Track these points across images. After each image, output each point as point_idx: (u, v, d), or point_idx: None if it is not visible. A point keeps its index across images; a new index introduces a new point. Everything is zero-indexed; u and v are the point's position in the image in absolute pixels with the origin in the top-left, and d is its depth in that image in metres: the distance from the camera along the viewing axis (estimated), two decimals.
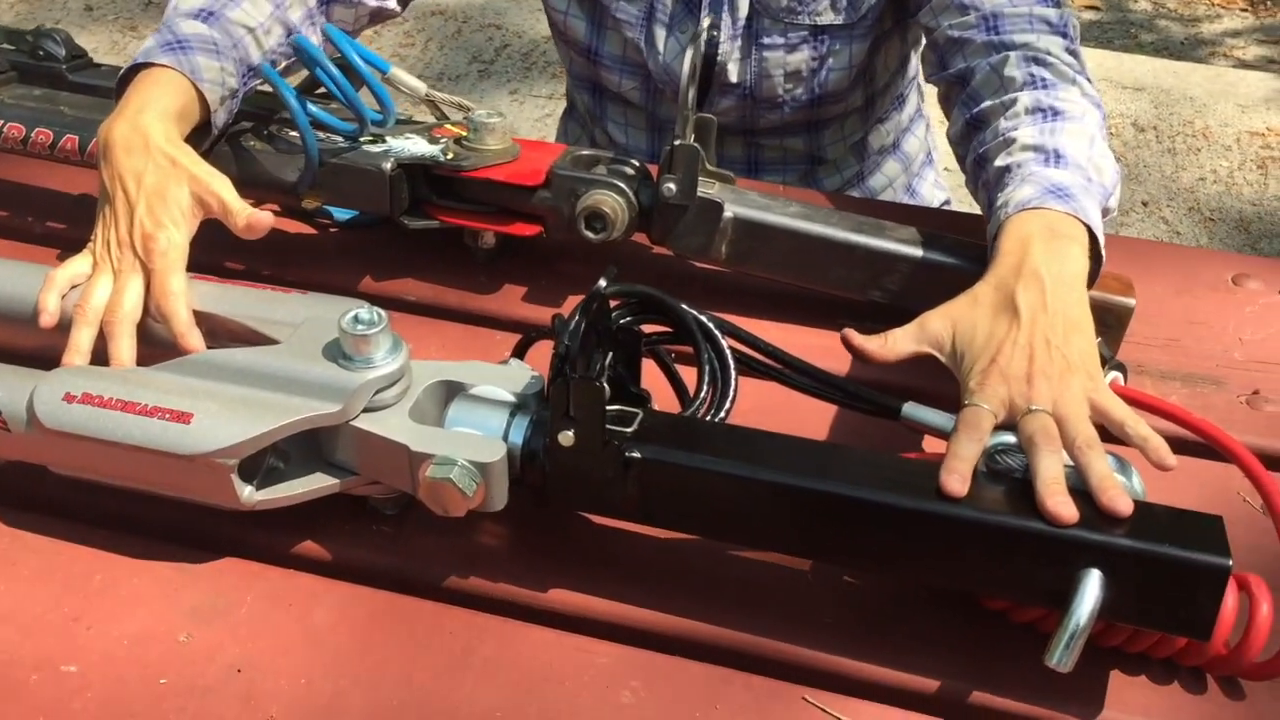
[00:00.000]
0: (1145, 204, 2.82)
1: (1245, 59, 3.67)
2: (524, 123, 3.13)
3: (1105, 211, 0.91)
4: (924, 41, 1.16)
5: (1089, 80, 0.99)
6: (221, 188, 0.87)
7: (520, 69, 3.44)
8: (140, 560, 0.78)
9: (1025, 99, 0.95)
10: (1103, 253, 0.87)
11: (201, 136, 0.95)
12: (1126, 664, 0.72)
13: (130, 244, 0.85)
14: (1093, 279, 0.86)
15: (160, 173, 0.86)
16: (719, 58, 1.21)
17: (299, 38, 0.98)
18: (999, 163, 0.92)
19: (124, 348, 0.81)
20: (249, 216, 0.87)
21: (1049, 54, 0.98)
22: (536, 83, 3.33)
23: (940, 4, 1.06)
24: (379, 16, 1.19)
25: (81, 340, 0.82)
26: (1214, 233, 2.70)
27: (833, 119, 1.31)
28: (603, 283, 0.70)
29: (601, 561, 0.78)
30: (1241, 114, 3.22)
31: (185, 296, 0.83)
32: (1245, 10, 3.99)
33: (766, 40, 1.20)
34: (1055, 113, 0.93)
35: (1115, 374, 0.85)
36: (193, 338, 0.81)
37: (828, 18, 1.18)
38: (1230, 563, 0.64)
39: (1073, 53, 1.00)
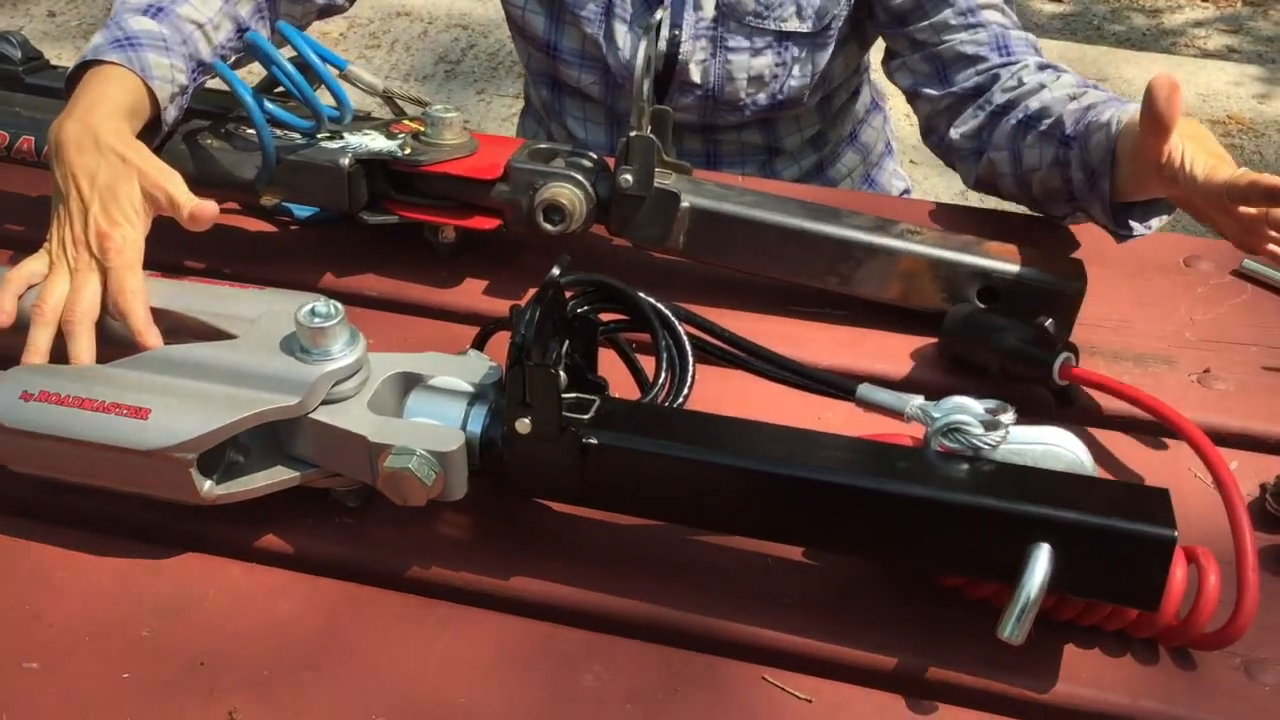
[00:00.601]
0: None
1: (1208, 49, 3.71)
2: (491, 122, 3.13)
3: None
4: (894, 48, 1.19)
5: None
6: (169, 182, 0.87)
7: (487, 69, 3.44)
8: (102, 557, 0.78)
9: (1068, 77, 1.07)
10: None
11: (153, 133, 0.95)
12: (1080, 637, 0.73)
13: (86, 243, 0.85)
14: None
15: (112, 170, 0.86)
16: (680, 56, 1.22)
17: (253, 34, 0.98)
18: (1083, 103, 1.01)
19: (83, 346, 0.81)
20: (192, 207, 0.87)
21: (1048, 63, 1.11)
22: (503, 82, 3.33)
23: (943, 22, 1.12)
24: (327, 11, 1.19)
25: (40, 340, 0.82)
26: (1177, 218, 2.72)
27: (789, 116, 1.32)
28: (556, 271, 0.70)
29: (563, 549, 0.79)
30: (1203, 103, 3.25)
31: (143, 294, 0.83)
32: (1207, 1, 4.03)
33: (732, 44, 1.21)
34: (1083, 84, 1.06)
35: (1066, 354, 0.86)
36: (150, 335, 0.81)
37: (793, 24, 1.20)
38: (1176, 534, 0.65)
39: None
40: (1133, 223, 0.98)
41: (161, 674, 0.71)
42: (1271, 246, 0.86)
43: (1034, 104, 1.05)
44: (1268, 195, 0.80)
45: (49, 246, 0.87)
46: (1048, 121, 1.03)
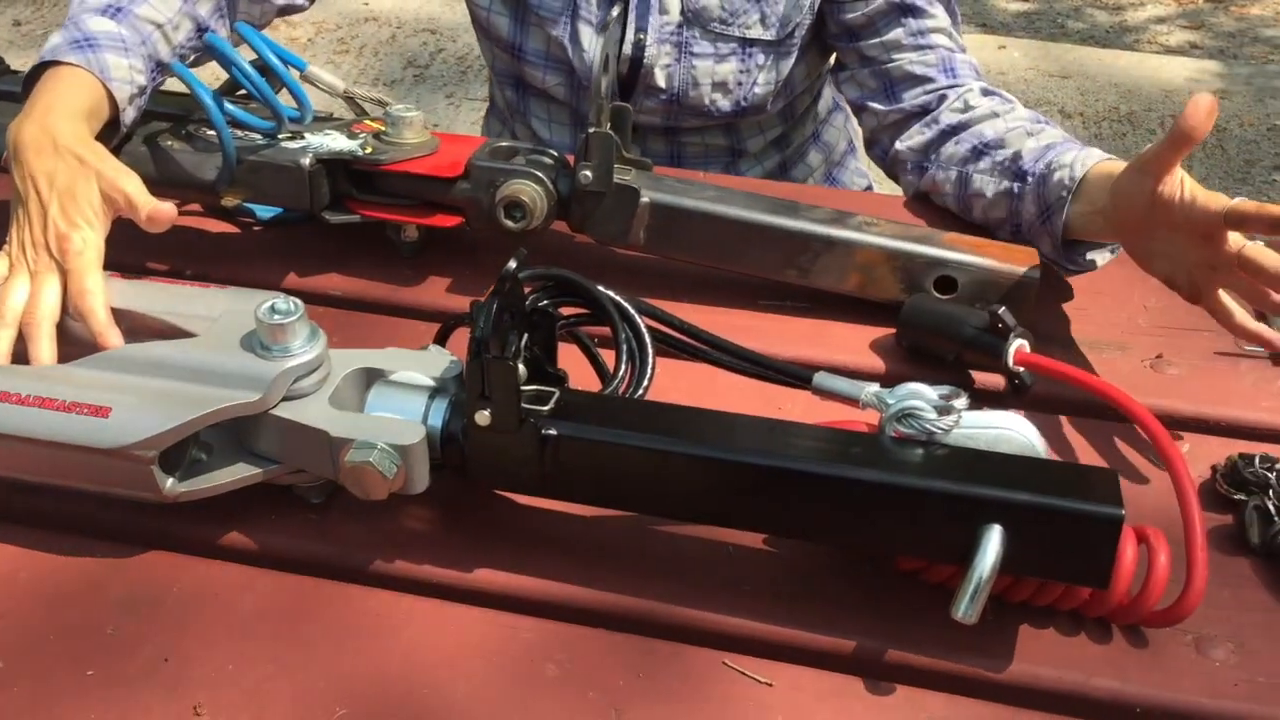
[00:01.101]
0: None
1: (1169, 45, 3.75)
2: (461, 126, 3.13)
3: None
4: (844, 61, 1.21)
5: None
6: (127, 183, 0.87)
7: (456, 73, 3.45)
8: (66, 556, 0.78)
9: (1021, 109, 1.12)
10: None
11: (111, 134, 0.96)
12: (1035, 618, 0.74)
13: (45, 245, 0.85)
14: None
15: (70, 172, 0.86)
16: (646, 61, 1.23)
17: (211, 36, 0.98)
18: (1041, 141, 1.05)
19: (43, 347, 0.82)
20: (150, 209, 0.87)
21: (990, 89, 1.16)
22: (472, 86, 3.33)
23: (894, 42, 1.16)
24: (287, 10, 1.19)
25: (0, 342, 0.82)
26: None
27: (753, 120, 1.33)
28: (513, 264, 0.71)
29: (526, 540, 0.79)
30: (1165, 98, 3.29)
31: (103, 295, 0.83)
32: None
33: (696, 49, 1.22)
34: (1036, 119, 1.10)
35: (1021, 341, 0.88)
36: (111, 335, 0.81)
37: (757, 32, 1.21)
38: (1123, 513, 0.66)
39: None
40: (1079, 257, 1.01)
41: (126, 670, 0.71)
42: (1222, 296, 0.89)
43: (989, 131, 1.09)
44: (1271, 224, 0.82)
45: (8, 249, 0.87)
46: (1004, 153, 1.06)
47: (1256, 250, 0.85)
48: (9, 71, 1.13)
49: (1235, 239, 0.85)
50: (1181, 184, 0.87)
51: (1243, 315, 0.89)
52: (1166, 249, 0.90)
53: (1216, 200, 0.85)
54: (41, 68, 0.94)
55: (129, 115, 0.96)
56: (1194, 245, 0.88)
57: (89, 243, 0.85)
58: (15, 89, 1.08)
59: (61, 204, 0.85)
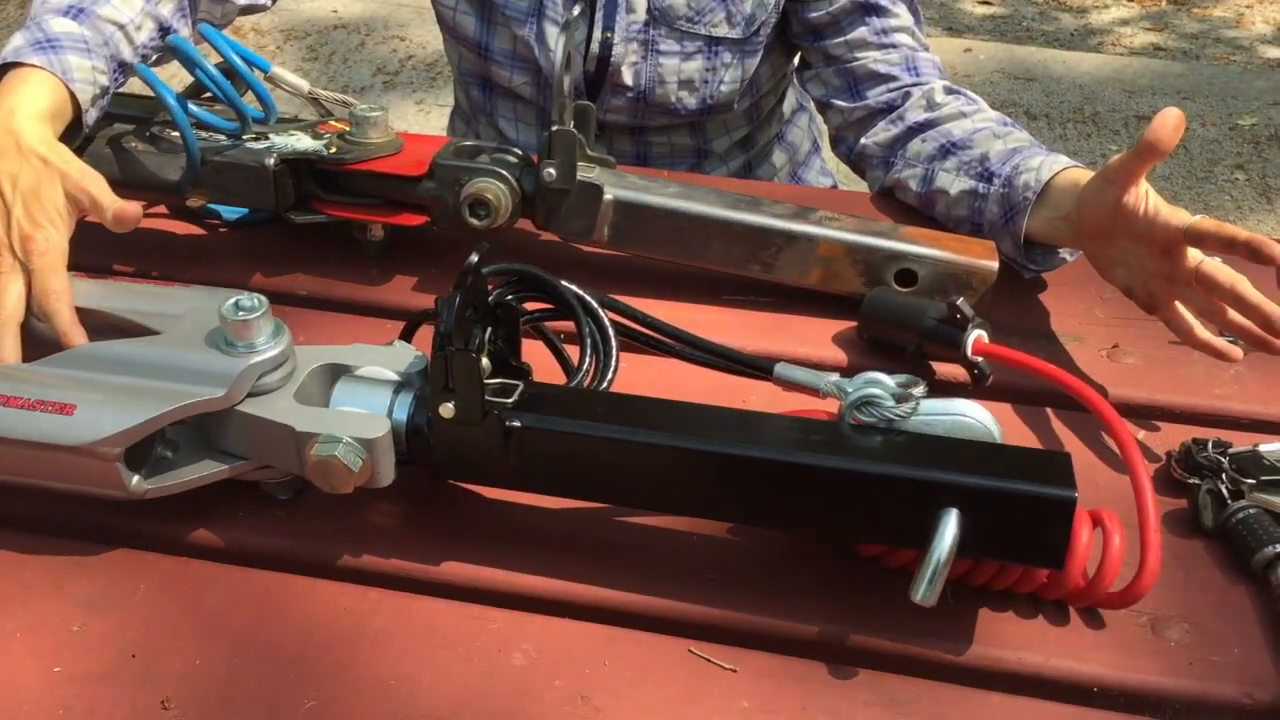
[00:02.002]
0: None
1: (1133, 46, 3.79)
2: (430, 132, 3.13)
3: None
4: (808, 59, 1.23)
5: None
6: (92, 184, 0.88)
7: (425, 79, 3.45)
8: (31, 555, 0.78)
9: (987, 110, 1.14)
10: None
11: (74, 135, 0.96)
12: (993, 602, 0.76)
13: (9, 245, 0.85)
14: None
15: (34, 173, 0.86)
16: (613, 59, 1.24)
17: (175, 38, 0.98)
18: (1009, 144, 1.06)
19: (7, 347, 0.82)
20: (115, 209, 0.88)
21: (954, 88, 1.17)
22: (442, 92, 3.34)
23: (858, 40, 1.18)
24: (248, 10, 1.20)
25: None
26: None
27: (718, 120, 1.35)
28: (475, 257, 0.72)
29: (491, 532, 0.80)
30: (1129, 99, 3.33)
31: (67, 295, 0.83)
32: (1132, 0, 4.13)
33: (663, 47, 1.23)
34: (1004, 121, 1.12)
35: (979, 332, 0.89)
36: (76, 335, 0.82)
37: (723, 30, 1.23)
38: (1075, 495, 0.68)
39: None
40: (1038, 257, 1.03)
41: (93, 667, 0.71)
42: (1179, 307, 0.91)
43: (956, 131, 1.10)
44: (1226, 242, 0.84)
45: None
46: (971, 153, 1.07)
47: (1213, 266, 0.86)
48: None
49: (1194, 254, 0.87)
50: (1145, 196, 0.89)
51: (1199, 327, 0.90)
52: (1126, 258, 0.92)
53: (1178, 216, 0.87)
54: (3, 69, 0.94)
55: (91, 116, 0.96)
56: (1153, 257, 0.89)
57: (53, 243, 0.85)
58: None
59: (26, 205, 0.86)
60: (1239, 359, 0.89)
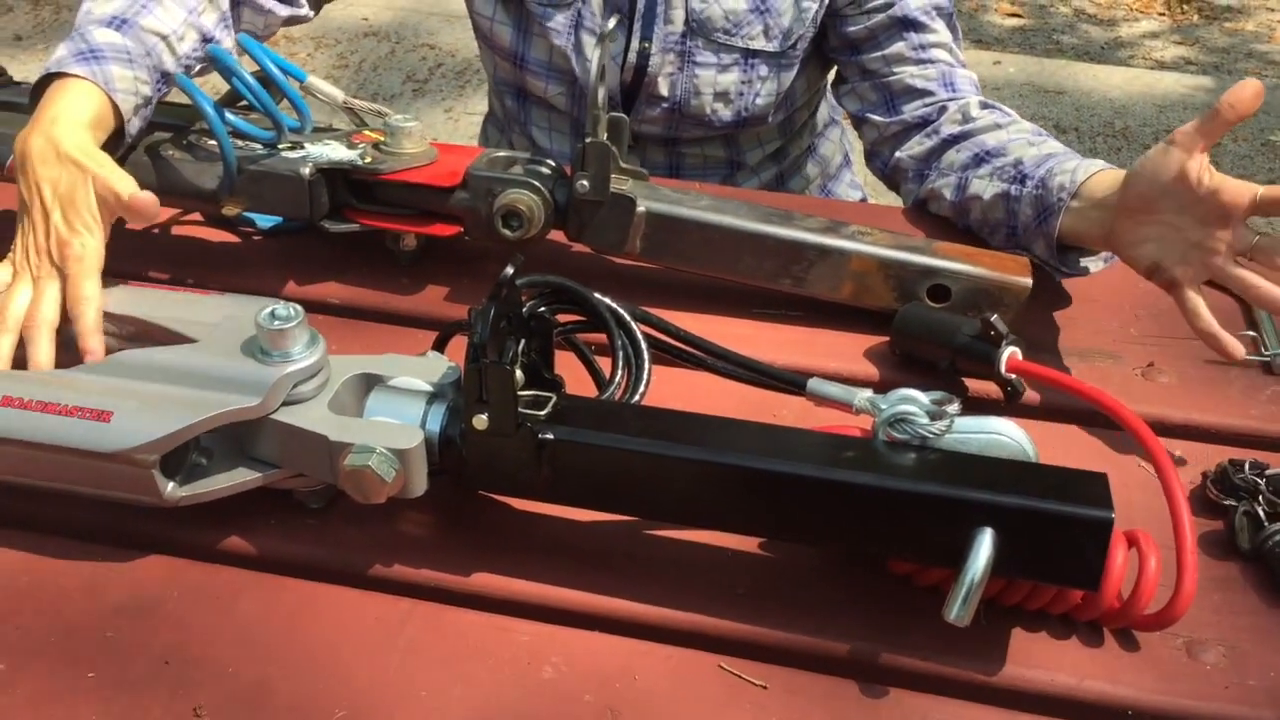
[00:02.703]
0: None
1: (1163, 60, 3.77)
2: (459, 140, 3.14)
3: None
4: (844, 74, 1.23)
5: None
6: (119, 183, 0.88)
7: (454, 87, 3.46)
8: (67, 560, 0.79)
9: (1022, 123, 1.14)
10: None
11: (117, 144, 0.97)
12: (1027, 621, 0.75)
13: (47, 251, 0.86)
14: None
15: (71, 179, 0.87)
16: (650, 69, 1.24)
17: (214, 48, 0.99)
18: (1042, 150, 1.06)
19: (42, 352, 0.83)
20: (129, 196, 0.88)
21: (989, 102, 1.17)
22: (470, 100, 3.35)
23: (895, 55, 1.19)
24: (290, 21, 1.20)
25: (1, 346, 0.83)
26: None
27: (751, 132, 1.35)
28: (510, 270, 0.72)
29: (522, 544, 0.80)
30: (1160, 113, 3.31)
31: (97, 301, 0.84)
32: (1163, 14, 4.11)
33: (699, 59, 1.24)
34: (1038, 132, 1.12)
35: (1013, 349, 0.89)
36: (93, 341, 0.82)
37: (760, 43, 1.23)
38: (1112, 515, 0.67)
39: None
40: (1072, 261, 1.02)
41: (127, 673, 0.72)
42: (1197, 291, 0.91)
43: (990, 141, 1.11)
44: None
45: (13, 256, 0.88)
46: (1005, 159, 1.07)
47: (1272, 241, 0.87)
48: (12, 83, 1.14)
49: (1245, 232, 0.88)
50: (1206, 166, 0.89)
51: (1209, 318, 0.90)
52: (1164, 234, 0.91)
53: (1246, 185, 0.87)
54: (48, 79, 0.95)
55: (134, 125, 0.97)
56: (1199, 227, 0.89)
57: (88, 248, 0.86)
58: (17, 100, 1.10)
59: (63, 210, 0.86)
60: (1239, 356, 0.89)
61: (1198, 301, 0.90)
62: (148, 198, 0.88)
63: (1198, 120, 0.89)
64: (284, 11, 1.17)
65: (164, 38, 1.00)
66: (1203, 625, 0.75)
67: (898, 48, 1.18)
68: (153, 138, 1.03)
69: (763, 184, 1.40)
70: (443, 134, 3.18)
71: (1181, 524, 0.73)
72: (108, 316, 0.85)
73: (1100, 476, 0.70)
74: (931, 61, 1.18)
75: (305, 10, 1.20)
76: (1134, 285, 1.07)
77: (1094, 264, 1.03)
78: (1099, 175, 0.98)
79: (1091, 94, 3.42)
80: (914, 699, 0.71)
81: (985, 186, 1.07)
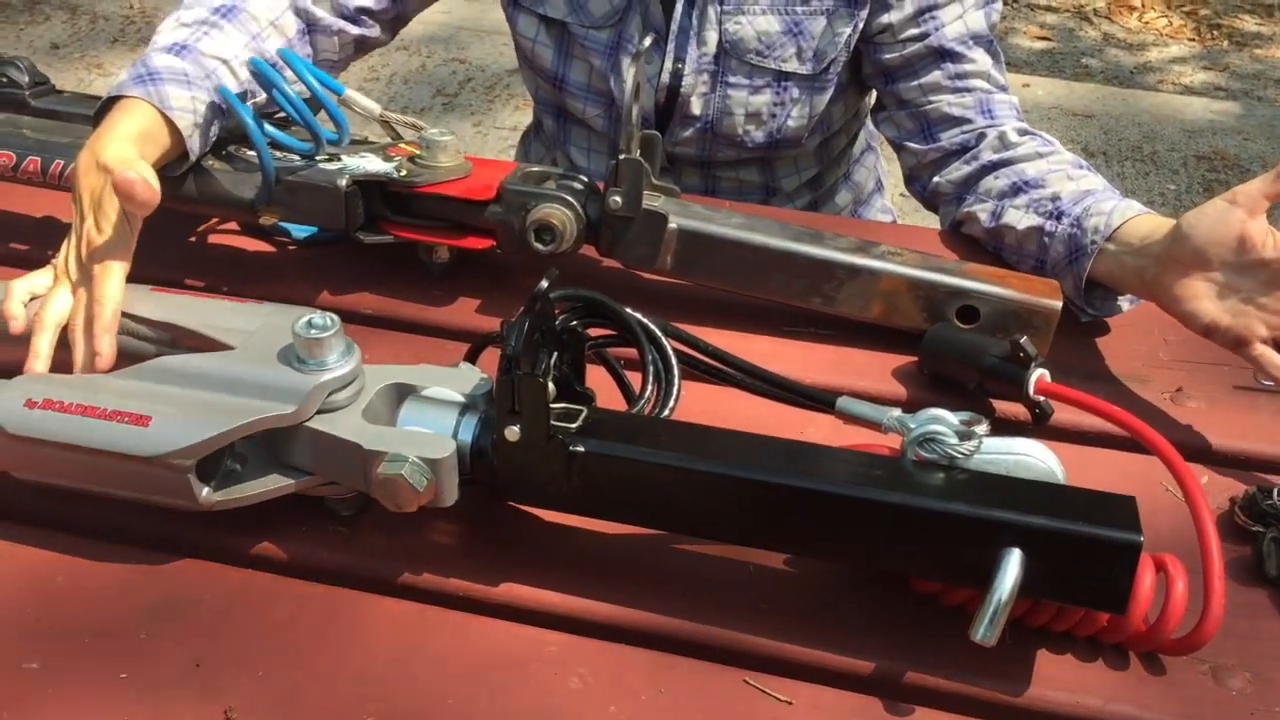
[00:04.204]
0: None
1: (1192, 85, 3.76)
2: (488, 154, 3.17)
3: None
4: (882, 101, 1.24)
5: None
6: (122, 170, 0.87)
7: (484, 101, 3.49)
8: (101, 562, 0.80)
9: (1064, 153, 1.14)
10: None
11: (179, 163, 1.00)
12: (1053, 643, 0.75)
13: (79, 255, 0.88)
14: None
15: (101, 185, 0.89)
16: (683, 89, 1.25)
17: (255, 60, 1.01)
18: (1081, 186, 1.06)
19: (85, 353, 0.84)
20: (117, 175, 0.87)
21: (1029, 129, 1.17)
22: (500, 114, 3.37)
23: (931, 84, 1.19)
24: (364, 45, 1.23)
25: (40, 346, 0.85)
26: None
27: (788, 157, 1.35)
28: (545, 283, 0.73)
29: (551, 556, 0.81)
30: (1188, 138, 3.30)
31: (112, 302, 0.86)
32: (1192, 39, 4.10)
33: (732, 79, 1.25)
34: (1079, 164, 1.12)
35: (1042, 371, 0.89)
36: (102, 341, 0.84)
37: (792, 65, 1.24)
38: (1141, 539, 0.67)
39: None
40: (1098, 302, 1.03)
41: (159, 675, 0.73)
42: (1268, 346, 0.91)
43: (1030, 170, 1.10)
44: None
45: (55, 262, 0.90)
46: (1043, 192, 1.07)
47: None
48: (53, 90, 1.16)
49: None
50: (1270, 228, 0.89)
51: None
52: (1219, 291, 0.91)
53: None
54: (108, 103, 0.97)
55: (195, 143, 0.99)
56: (1263, 289, 0.90)
57: (112, 251, 0.88)
58: (58, 108, 1.12)
59: (94, 216, 0.88)
60: None
61: (1271, 355, 0.90)
62: (133, 177, 0.87)
63: (1261, 179, 0.88)
64: (353, 31, 1.19)
65: (225, 61, 1.03)
66: (1229, 651, 0.75)
67: (934, 77, 1.18)
68: None
69: (797, 209, 1.41)
70: (471, 147, 3.21)
71: (1209, 549, 0.73)
72: (145, 322, 0.87)
73: (1129, 500, 0.71)
74: (969, 90, 1.18)
75: (376, 31, 1.22)
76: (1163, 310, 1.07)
77: (1123, 303, 1.03)
78: (1136, 220, 0.98)
79: (1120, 118, 3.41)
80: (938, 718, 0.71)
81: (1020, 218, 1.07)
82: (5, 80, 1.13)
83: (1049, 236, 1.03)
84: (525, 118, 3.11)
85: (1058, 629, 0.75)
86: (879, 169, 1.53)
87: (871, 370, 0.99)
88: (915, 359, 0.98)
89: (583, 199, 1.00)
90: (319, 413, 0.77)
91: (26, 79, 1.13)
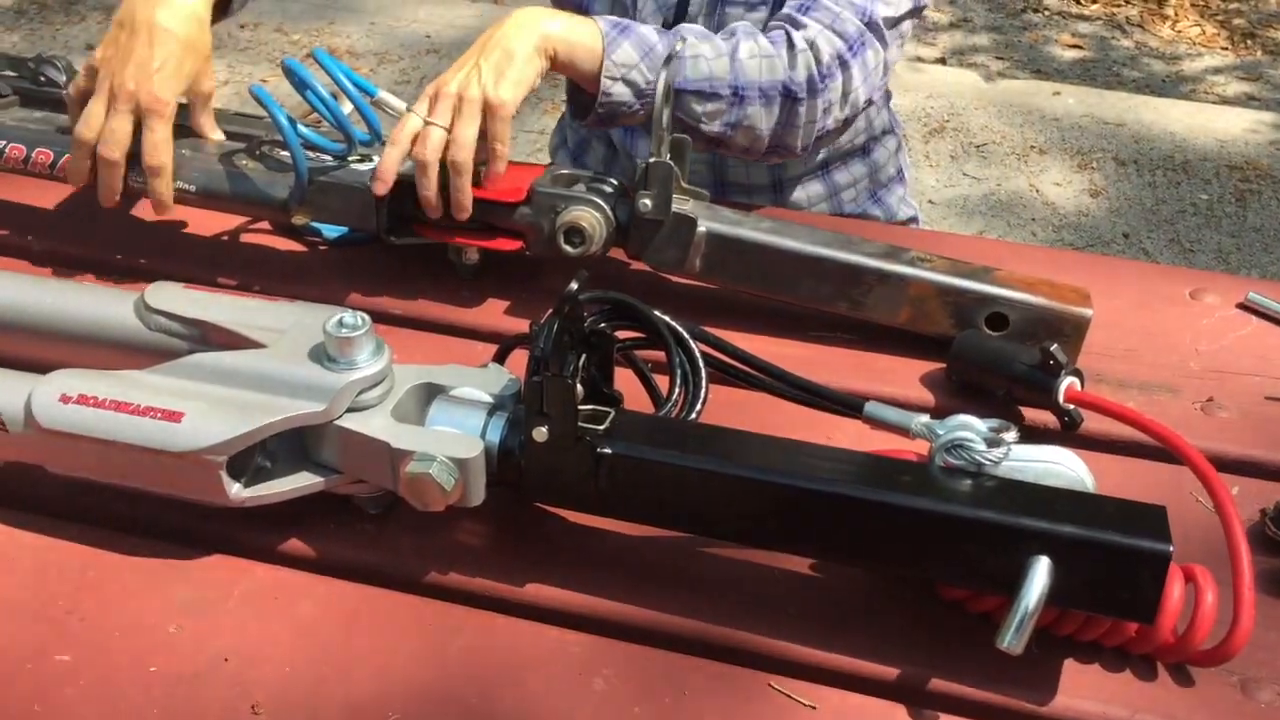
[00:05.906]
0: (1126, 235, 2.87)
1: (1226, 95, 3.73)
2: (517, 156, 3.17)
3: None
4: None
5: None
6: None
7: None
8: (132, 556, 0.80)
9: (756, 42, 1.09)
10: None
11: (223, 12, 1.08)
12: (1080, 652, 0.75)
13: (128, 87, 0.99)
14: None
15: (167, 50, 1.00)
16: (689, 10, 1.26)
17: (289, 60, 1.02)
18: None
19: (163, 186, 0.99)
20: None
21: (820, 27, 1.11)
22: (528, 118, 3.38)
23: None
24: None
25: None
26: (1193, 264, 2.74)
27: None
28: (574, 285, 0.73)
29: (576, 557, 0.81)
30: (1221, 148, 3.27)
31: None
32: (1226, 49, 4.07)
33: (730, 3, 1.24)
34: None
35: (1072, 379, 0.88)
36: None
37: None
38: (1171, 548, 0.67)
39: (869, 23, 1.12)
40: None
41: (188, 668, 0.73)
42: None
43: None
44: None
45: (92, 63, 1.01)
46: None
47: None
48: None
49: None
50: None
51: None
52: None
53: None
54: None
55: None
56: None
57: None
58: None
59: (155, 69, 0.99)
60: None
61: None
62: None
63: None
64: None
65: None
66: (1258, 663, 0.74)
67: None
68: (226, 147, 1.05)
69: (808, 170, 1.40)
70: None
71: (1239, 560, 0.73)
72: (178, 319, 0.87)
73: (1159, 509, 0.70)
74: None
75: None
76: (1195, 319, 1.07)
77: None
78: None
79: (1152, 126, 3.39)
80: None
81: None
82: (44, 79, 1.14)
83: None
84: (552, 121, 3.12)
85: (1085, 638, 0.74)
86: (901, 159, 1.52)
87: (899, 376, 0.99)
88: (943, 365, 0.98)
89: (612, 202, 1.01)
90: (349, 411, 0.77)
91: (64, 78, 1.14)
